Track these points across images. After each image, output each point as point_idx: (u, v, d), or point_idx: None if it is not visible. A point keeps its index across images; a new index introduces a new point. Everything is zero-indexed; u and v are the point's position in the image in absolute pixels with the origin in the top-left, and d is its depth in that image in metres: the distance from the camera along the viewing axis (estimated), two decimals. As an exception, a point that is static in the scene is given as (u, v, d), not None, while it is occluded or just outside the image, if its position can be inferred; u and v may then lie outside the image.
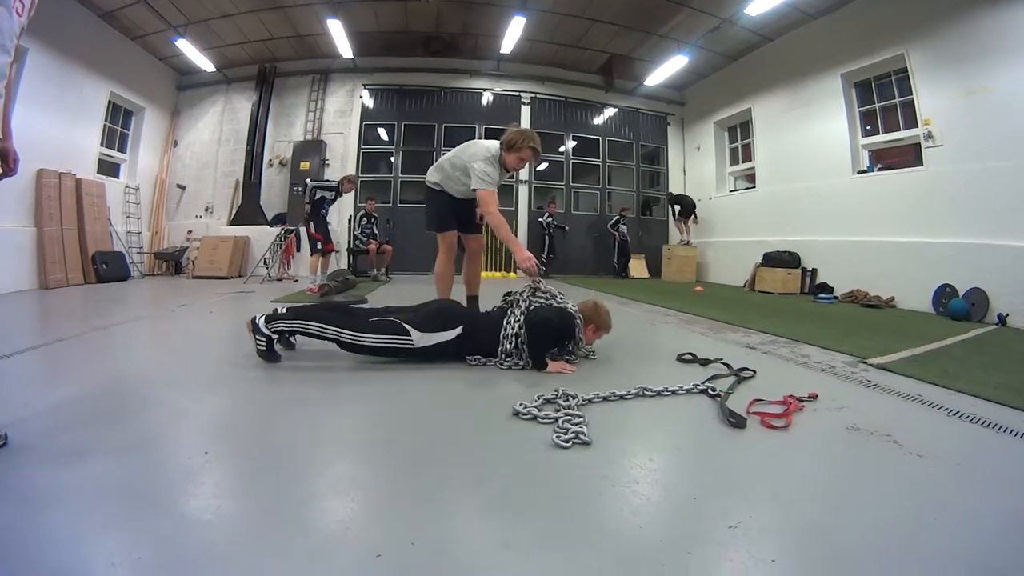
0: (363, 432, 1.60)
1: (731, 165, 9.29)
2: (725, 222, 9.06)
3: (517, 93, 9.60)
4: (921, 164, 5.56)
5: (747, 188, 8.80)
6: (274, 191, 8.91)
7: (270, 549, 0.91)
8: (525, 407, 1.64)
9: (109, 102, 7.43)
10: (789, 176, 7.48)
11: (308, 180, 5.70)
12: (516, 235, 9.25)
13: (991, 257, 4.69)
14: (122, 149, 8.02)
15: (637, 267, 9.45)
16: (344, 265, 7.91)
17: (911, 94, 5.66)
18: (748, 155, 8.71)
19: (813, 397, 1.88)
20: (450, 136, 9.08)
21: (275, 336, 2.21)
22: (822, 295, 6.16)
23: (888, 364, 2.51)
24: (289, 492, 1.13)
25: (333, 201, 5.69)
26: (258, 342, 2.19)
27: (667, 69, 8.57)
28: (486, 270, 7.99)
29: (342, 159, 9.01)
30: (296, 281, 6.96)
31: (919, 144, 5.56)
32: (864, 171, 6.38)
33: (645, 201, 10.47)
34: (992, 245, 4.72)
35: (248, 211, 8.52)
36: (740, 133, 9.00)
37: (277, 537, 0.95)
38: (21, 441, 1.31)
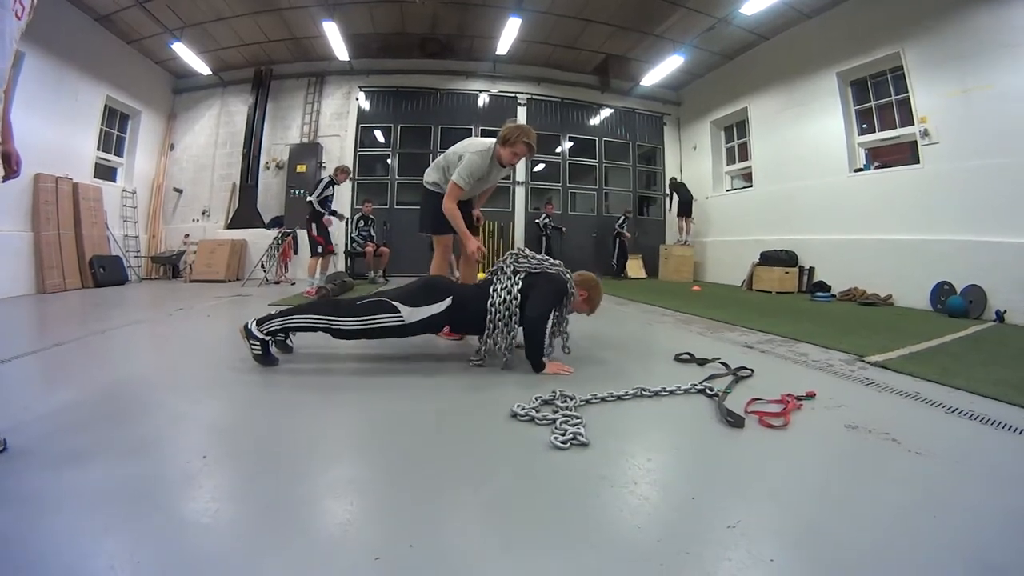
0: (361, 434, 1.59)
1: (728, 164, 9.28)
2: (722, 221, 9.07)
3: (513, 94, 9.59)
4: (918, 162, 5.57)
5: (744, 187, 8.80)
6: (271, 194, 8.89)
7: (269, 552, 0.91)
8: (523, 408, 1.64)
9: (105, 106, 7.41)
10: (786, 175, 7.49)
11: (309, 198, 5.68)
12: (513, 236, 9.36)
13: (988, 254, 4.70)
14: (119, 153, 8.00)
15: (634, 267, 9.44)
16: (341, 268, 7.92)
17: (907, 92, 5.67)
18: (745, 154, 8.70)
19: (811, 396, 1.88)
20: (446, 138, 9.06)
21: (269, 339, 2.20)
22: (819, 293, 6.17)
23: (886, 362, 2.51)
24: (287, 495, 1.13)
25: (333, 193, 5.76)
26: (253, 347, 2.18)
27: (663, 69, 8.56)
28: (482, 272, 7.96)
29: (338, 162, 8.96)
30: (294, 284, 6.96)
31: (915, 142, 5.57)
32: (861, 169, 6.39)
33: (641, 200, 10.45)
34: (989, 242, 4.73)
35: (245, 214, 8.49)
36: (736, 132, 9.00)
37: (276, 540, 0.95)
38: (21, 445, 1.31)
